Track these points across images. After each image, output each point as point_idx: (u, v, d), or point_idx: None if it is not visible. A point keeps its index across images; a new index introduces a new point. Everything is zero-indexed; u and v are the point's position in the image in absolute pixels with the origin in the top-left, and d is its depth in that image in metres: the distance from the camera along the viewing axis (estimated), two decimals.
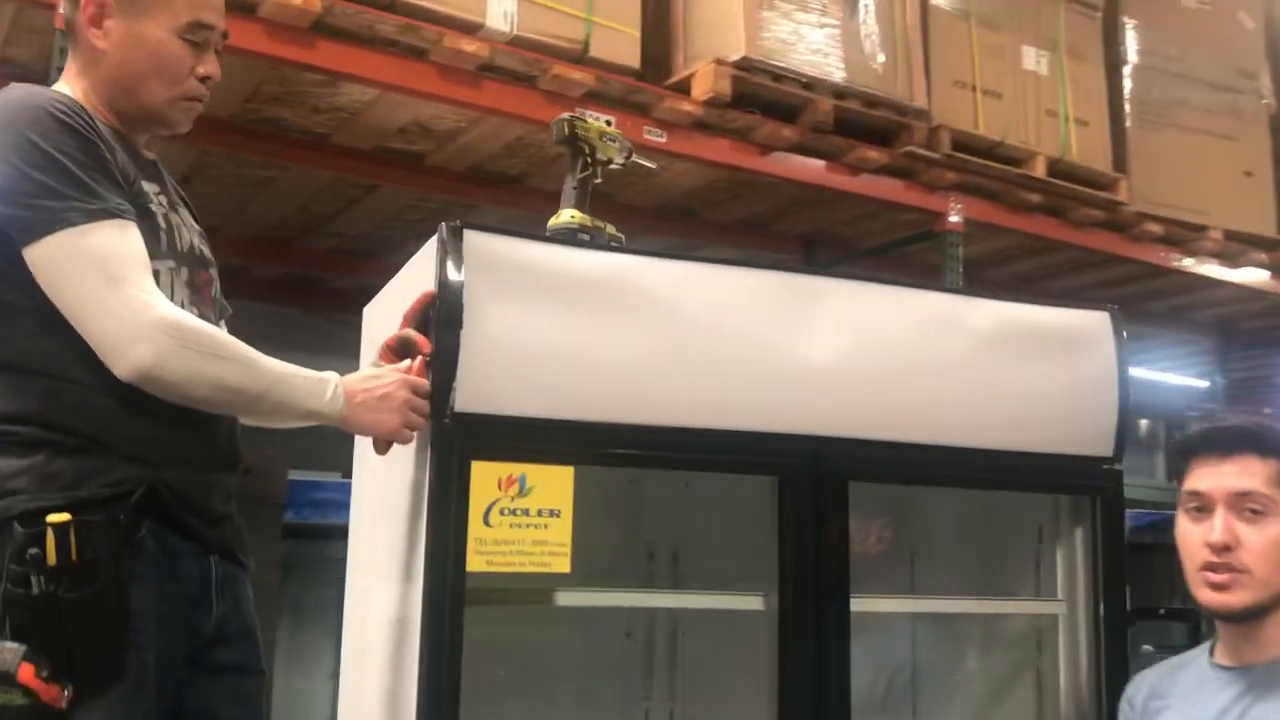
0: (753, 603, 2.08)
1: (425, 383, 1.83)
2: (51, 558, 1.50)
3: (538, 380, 1.90)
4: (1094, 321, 2.22)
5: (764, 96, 3.77)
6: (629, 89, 3.64)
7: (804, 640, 1.99)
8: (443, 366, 1.85)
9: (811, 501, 2.01)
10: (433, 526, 1.85)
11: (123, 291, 1.59)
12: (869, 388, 2.06)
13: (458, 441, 1.86)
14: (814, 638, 1.99)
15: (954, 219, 4.24)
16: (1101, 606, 2.19)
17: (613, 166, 2.11)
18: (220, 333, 1.71)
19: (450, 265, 1.86)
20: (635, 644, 2.56)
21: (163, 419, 1.66)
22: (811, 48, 3.83)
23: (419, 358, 1.86)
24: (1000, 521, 2.39)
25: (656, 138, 3.74)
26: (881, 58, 3.98)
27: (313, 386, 1.72)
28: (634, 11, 3.67)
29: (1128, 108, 4.70)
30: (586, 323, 1.92)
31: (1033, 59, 4.42)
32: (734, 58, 3.68)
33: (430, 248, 1.95)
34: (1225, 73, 4.96)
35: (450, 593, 1.83)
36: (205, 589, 1.71)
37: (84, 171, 1.61)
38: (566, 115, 2.07)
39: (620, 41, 3.66)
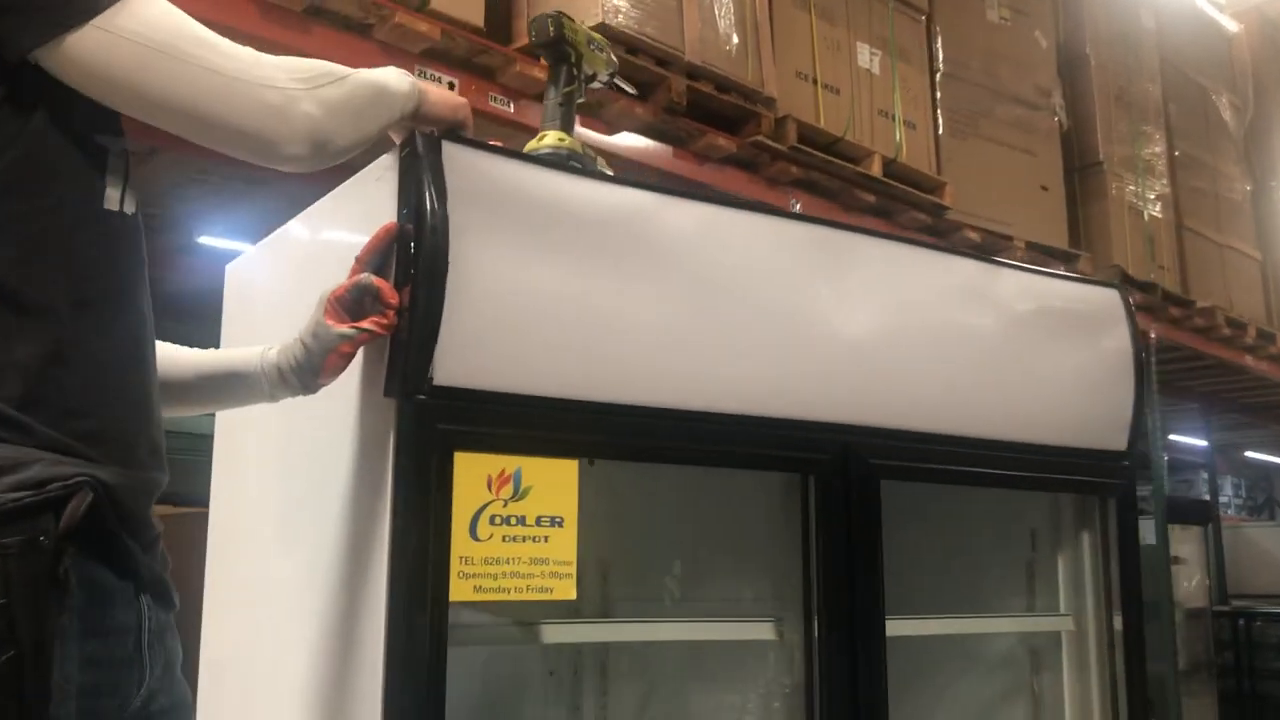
0: (761, 631, 1.69)
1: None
2: None
3: (539, 347, 1.44)
4: (1106, 298, 1.98)
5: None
6: (475, 48, 3.19)
7: (840, 674, 1.61)
8: (418, 326, 1.37)
9: (843, 504, 1.65)
10: (401, 541, 1.35)
11: (237, 54, 1.21)
12: (906, 369, 1.72)
13: (437, 425, 1.38)
14: (849, 671, 1.63)
15: None
16: (1117, 621, 1.94)
17: (596, 84, 1.68)
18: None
19: (428, 188, 1.38)
20: (559, 683, 2.10)
21: (98, 374, 1.11)
22: (666, 21, 3.50)
23: (388, 313, 1.37)
24: (983, 524, 2.10)
25: (502, 106, 3.31)
26: (735, 39, 3.70)
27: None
28: None
29: (939, 115, 4.65)
30: (597, 274, 1.49)
31: (866, 56, 4.27)
32: (589, 24, 3.29)
33: (380, 169, 1.46)
34: (1024, 88, 5.02)
35: (429, 633, 1.34)
36: (137, 646, 1.15)
37: None
38: (551, 11, 1.62)
39: None
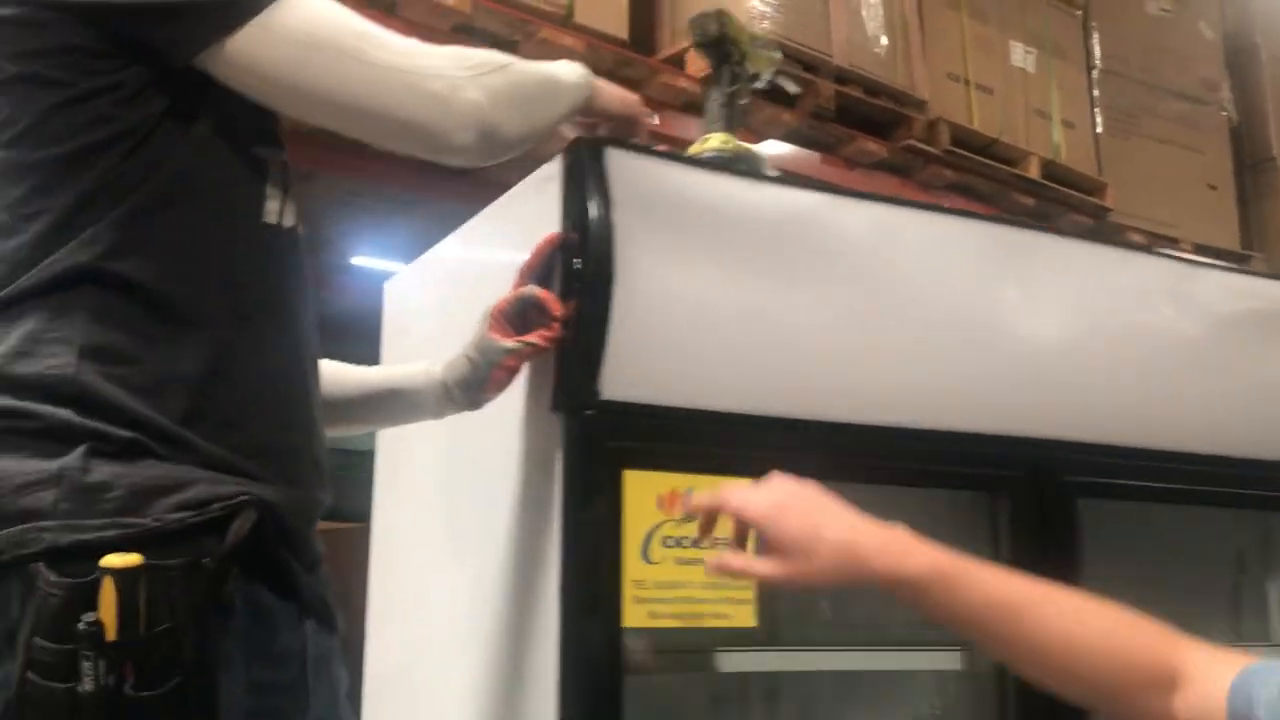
0: (948, 660, 1.57)
1: None
2: (112, 629, 0.89)
3: (710, 360, 1.36)
4: None
5: None
6: (620, 60, 3.15)
7: (1038, 710, 1.49)
8: (584, 338, 1.31)
9: (1038, 524, 1.53)
10: (571, 564, 1.29)
11: (400, 46, 1.18)
12: (1102, 377, 1.59)
13: (606, 442, 1.31)
14: (1048, 706, 1.50)
15: None
16: None
17: (757, 85, 1.60)
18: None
19: (593, 196, 1.32)
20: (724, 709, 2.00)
21: (259, 387, 1.08)
22: (812, 25, 3.40)
23: (553, 325, 1.31)
24: (1182, 544, 1.94)
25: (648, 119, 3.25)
26: (884, 41, 3.58)
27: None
28: None
29: (1098, 113, 4.44)
30: (770, 281, 1.40)
31: (1020, 55, 4.10)
32: None
33: (541, 179, 1.41)
34: (1188, 82, 4.76)
35: (604, 660, 1.27)
36: (302, 672, 1.10)
37: None
38: (713, 9, 1.55)
39: (606, 8, 3.16)
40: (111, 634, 0.89)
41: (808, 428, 1.40)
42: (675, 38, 3.33)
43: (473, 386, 1.37)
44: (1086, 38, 4.45)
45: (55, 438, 0.99)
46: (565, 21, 3.04)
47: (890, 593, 1.02)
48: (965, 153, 3.78)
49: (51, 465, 0.98)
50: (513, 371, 1.33)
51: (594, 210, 1.31)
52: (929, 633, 1.66)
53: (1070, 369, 1.56)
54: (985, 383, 1.52)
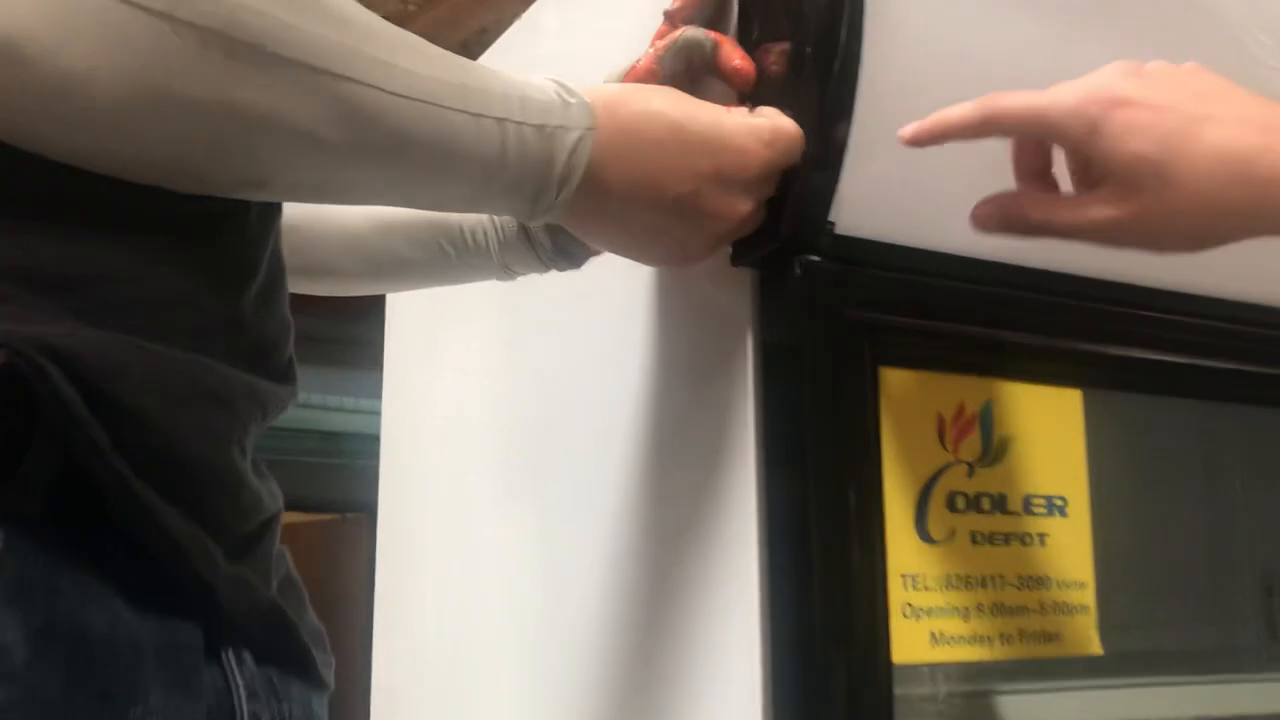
0: None
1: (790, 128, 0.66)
2: None
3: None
4: None
5: None
6: None
7: None
8: (811, 120, 0.68)
9: None
10: (783, 546, 0.67)
11: None
12: None
13: (844, 312, 0.69)
14: None
15: None
16: None
17: None
18: None
19: None
20: None
21: None
22: None
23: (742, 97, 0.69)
24: None
25: None
26: None
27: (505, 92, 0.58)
28: None
29: None
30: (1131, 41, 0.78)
31: None
32: None
33: None
34: None
35: None
36: None
37: None
38: None
39: None
40: None
41: (1185, 306, 0.78)
42: None
43: (567, 234, 0.76)
44: None
45: None
46: None
47: None
48: None
49: None
50: None
51: None
52: None
53: None
54: None
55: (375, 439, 1.29)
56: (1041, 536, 0.74)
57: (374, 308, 1.33)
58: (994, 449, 0.74)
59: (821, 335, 0.68)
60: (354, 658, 1.31)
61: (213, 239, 0.52)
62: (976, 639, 0.71)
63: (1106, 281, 0.76)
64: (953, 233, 0.69)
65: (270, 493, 0.55)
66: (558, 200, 0.60)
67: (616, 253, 0.69)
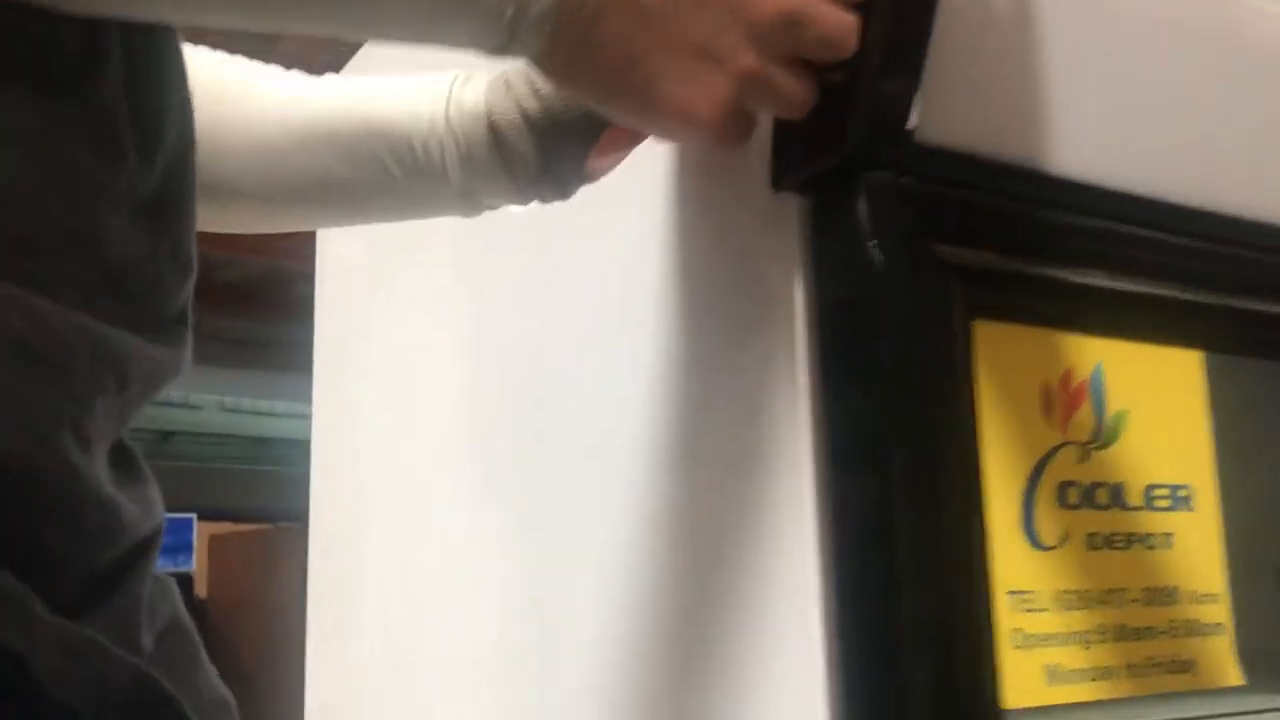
0: None
1: None
2: None
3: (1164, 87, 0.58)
4: None
5: None
6: None
7: None
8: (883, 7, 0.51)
9: None
10: (857, 554, 0.50)
11: None
12: None
13: (929, 245, 0.52)
14: None
15: None
16: None
17: None
18: None
19: None
20: None
21: None
22: None
23: None
24: None
25: None
26: None
27: None
28: None
29: None
30: None
31: None
32: None
33: None
34: None
35: None
36: None
37: None
38: None
39: None
40: None
41: None
42: None
43: (558, 148, 0.58)
44: None
45: None
46: None
47: None
48: None
49: None
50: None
51: None
52: None
53: None
54: None
55: (306, 444, 1.11)
56: (1167, 537, 0.58)
57: (304, 306, 1.15)
58: (1108, 426, 0.58)
59: (899, 280, 0.52)
60: (288, 677, 1.18)
61: (51, 104, 0.34)
62: (1100, 673, 0.55)
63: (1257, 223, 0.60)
64: (1067, 150, 0.52)
65: (142, 504, 0.37)
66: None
67: (609, 106, 0.50)
